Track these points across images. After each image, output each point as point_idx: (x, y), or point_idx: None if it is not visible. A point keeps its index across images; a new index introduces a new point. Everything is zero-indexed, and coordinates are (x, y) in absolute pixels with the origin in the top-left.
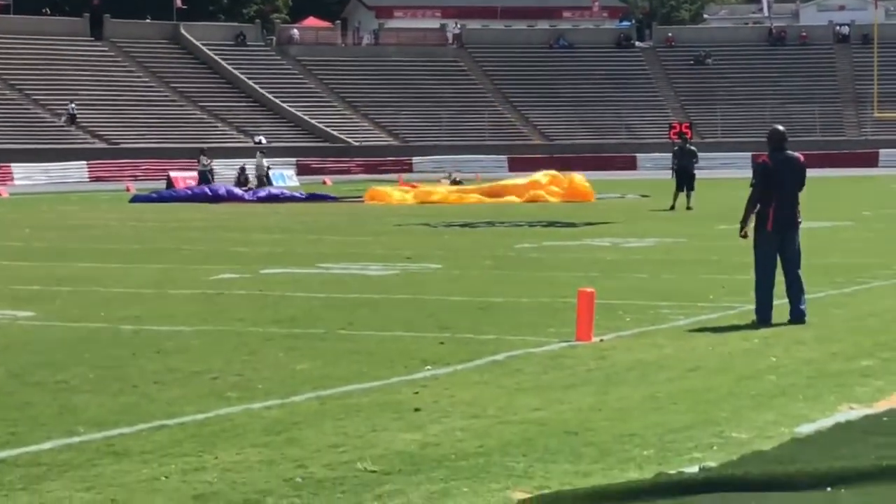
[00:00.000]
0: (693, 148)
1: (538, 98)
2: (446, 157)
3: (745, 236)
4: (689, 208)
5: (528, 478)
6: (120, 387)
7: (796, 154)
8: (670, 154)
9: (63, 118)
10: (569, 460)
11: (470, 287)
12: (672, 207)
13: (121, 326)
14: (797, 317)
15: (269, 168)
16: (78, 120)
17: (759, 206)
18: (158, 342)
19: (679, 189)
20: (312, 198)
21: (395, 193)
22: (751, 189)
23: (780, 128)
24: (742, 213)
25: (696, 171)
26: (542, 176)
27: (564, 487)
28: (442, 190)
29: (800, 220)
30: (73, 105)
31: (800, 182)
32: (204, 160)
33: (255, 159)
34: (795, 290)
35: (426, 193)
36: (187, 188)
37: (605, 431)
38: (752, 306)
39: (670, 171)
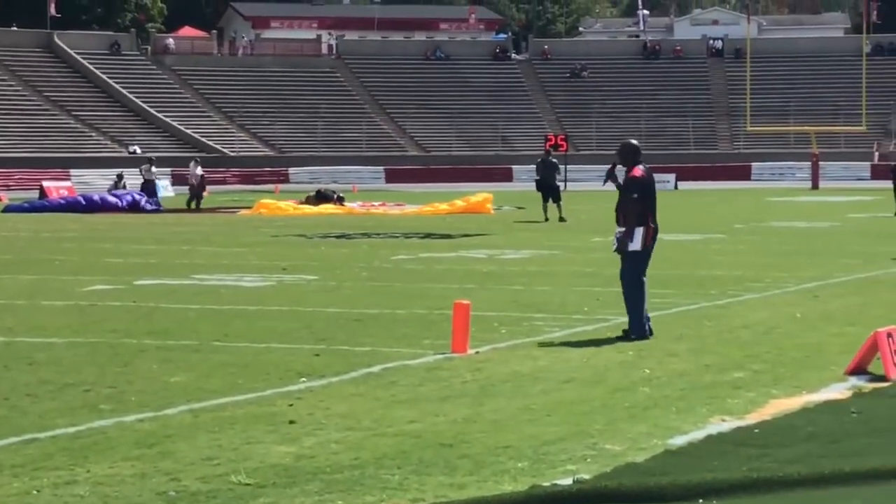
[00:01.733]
0: (555, 160)
1: (415, 109)
2: (323, 168)
3: (622, 251)
4: (561, 219)
5: (402, 490)
6: None
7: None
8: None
9: None
10: (443, 472)
11: (346, 299)
12: (546, 219)
13: None
14: (649, 329)
15: (202, 177)
16: None
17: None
18: (30, 354)
19: (545, 200)
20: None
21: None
22: (634, 202)
23: (635, 141)
24: (625, 231)
25: (559, 183)
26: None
27: (439, 500)
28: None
29: None
30: None
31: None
32: (149, 168)
33: (188, 169)
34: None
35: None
36: (61, 198)
37: (479, 443)
38: (625, 319)
39: (534, 183)
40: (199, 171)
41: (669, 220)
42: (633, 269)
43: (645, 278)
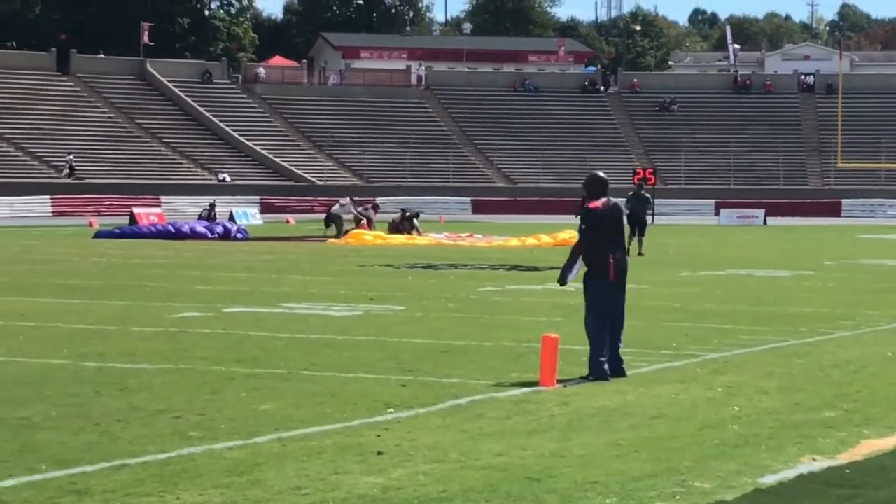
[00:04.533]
0: (647, 195)
1: (503, 141)
2: (410, 197)
3: (564, 284)
4: (640, 254)
5: None
6: (82, 424)
7: (615, 200)
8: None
9: (63, 171)
10: None
11: (433, 329)
12: (627, 253)
13: (83, 363)
14: (621, 370)
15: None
16: (42, 155)
17: (593, 254)
18: (121, 380)
19: (632, 234)
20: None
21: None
22: (582, 233)
23: (602, 174)
24: (567, 261)
25: (648, 217)
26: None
27: None
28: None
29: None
30: (71, 156)
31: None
32: (342, 202)
33: (348, 206)
34: (617, 341)
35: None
36: (151, 224)
37: (567, 478)
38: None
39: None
40: (352, 207)
41: (758, 256)
42: (597, 307)
43: (614, 313)
